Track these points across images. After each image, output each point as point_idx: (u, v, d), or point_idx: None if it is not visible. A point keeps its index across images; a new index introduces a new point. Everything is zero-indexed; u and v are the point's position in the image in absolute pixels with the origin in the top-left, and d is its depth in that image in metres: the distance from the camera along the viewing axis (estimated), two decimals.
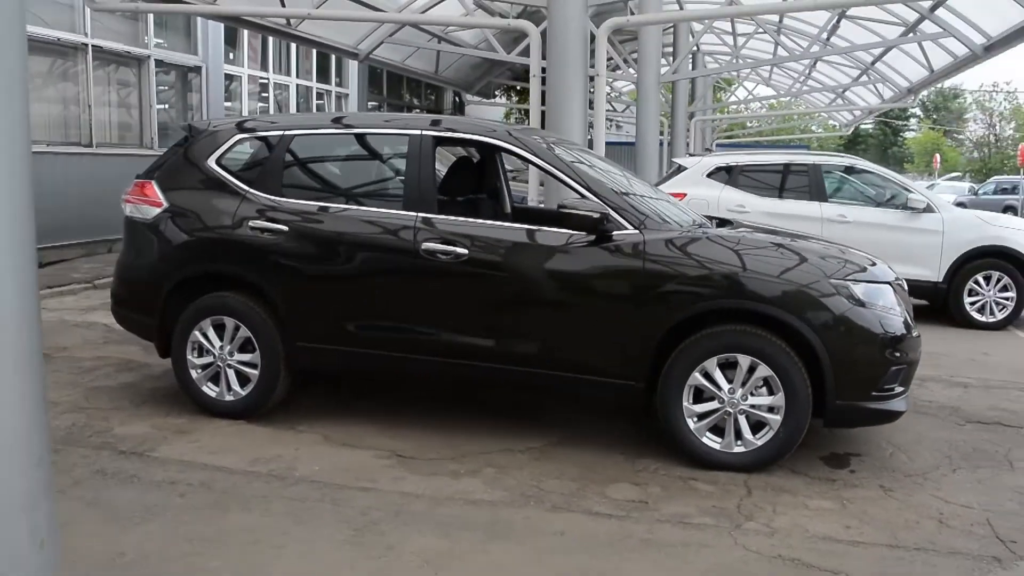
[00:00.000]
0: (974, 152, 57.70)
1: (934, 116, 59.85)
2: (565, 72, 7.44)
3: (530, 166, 5.60)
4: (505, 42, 15.45)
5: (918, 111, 59.40)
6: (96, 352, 6.16)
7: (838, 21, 15.28)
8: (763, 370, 3.98)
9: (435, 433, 4.51)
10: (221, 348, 4.65)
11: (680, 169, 9.00)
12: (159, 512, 3.44)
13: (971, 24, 11.77)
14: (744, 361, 4.00)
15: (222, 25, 13.13)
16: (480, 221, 4.44)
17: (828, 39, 15.93)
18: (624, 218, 4.18)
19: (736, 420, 4.04)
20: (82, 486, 3.68)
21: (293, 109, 16.01)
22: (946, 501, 3.77)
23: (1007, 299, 7.84)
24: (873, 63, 17.98)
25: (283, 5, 11.17)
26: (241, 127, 4.90)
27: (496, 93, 24.10)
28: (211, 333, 4.66)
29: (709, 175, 8.68)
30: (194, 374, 4.72)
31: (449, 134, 4.60)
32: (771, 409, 4.00)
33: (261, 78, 15.04)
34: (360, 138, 4.96)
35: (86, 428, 4.47)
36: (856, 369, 3.96)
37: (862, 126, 48.55)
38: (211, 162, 4.79)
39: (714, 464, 4.06)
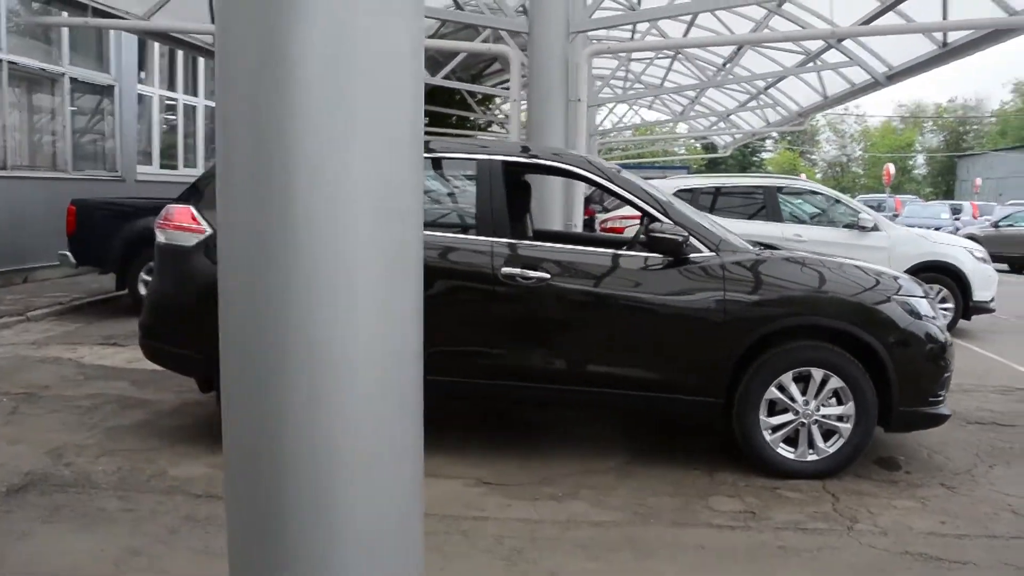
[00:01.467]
0: (828, 171, 62.12)
1: (788, 137, 63.98)
2: (547, 97, 7.61)
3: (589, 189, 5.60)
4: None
5: (774, 132, 63.46)
6: (83, 390, 5.74)
7: (739, 49, 16.20)
8: (835, 382, 4.23)
9: (505, 458, 4.49)
10: None
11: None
12: None
13: (874, 55, 12.78)
14: (818, 374, 4.23)
15: (135, 43, 12.54)
16: (559, 246, 4.50)
17: (731, 66, 16.82)
18: (701, 242, 4.35)
19: (810, 430, 4.26)
20: (182, 535, 3.45)
21: (200, 131, 15.40)
22: (1006, 494, 4.12)
23: (946, 310, 8.56)
24: (766, 89, 19.13)
25: (212, 22, 10.82)
26: None
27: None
28: None
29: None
30: None
31: (522, 160, 4.63)
32: (841, 418, 4.25)
33: (170, 99, 14.40)
34: (428, 163, 4.91)
35: (137, 472, 4.18)
36: (917, 378, 4.27)
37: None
38: None
39: (789, 473, 4.26)
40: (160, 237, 4.73)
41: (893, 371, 4.21)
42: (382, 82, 1.56)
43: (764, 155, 67.37)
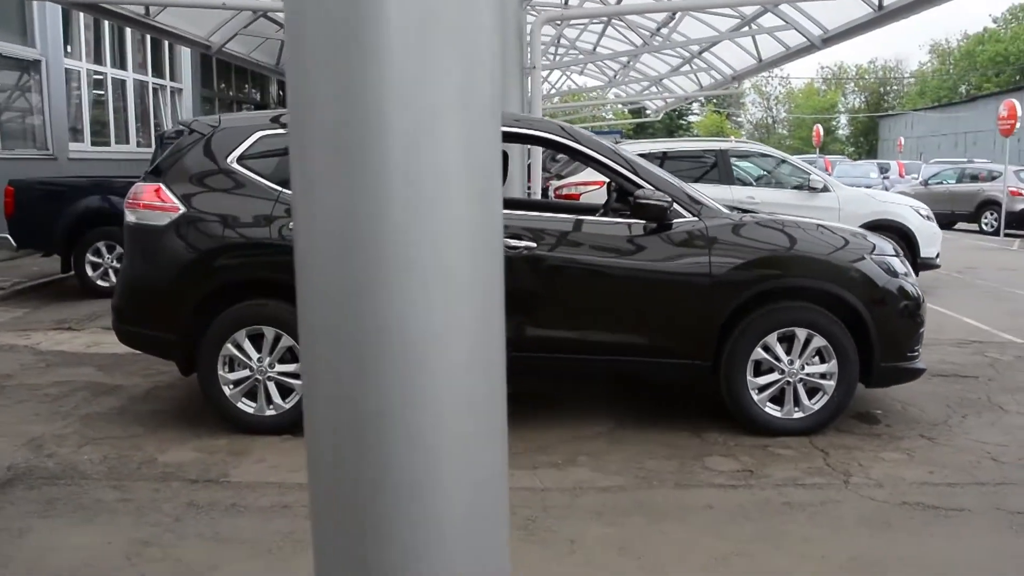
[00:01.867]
0: (754, 134, 63.34)
1: (714, 100, 64.77)
2: (502, 65, 7.53)
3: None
4: None
5: (703, 96, 64.18)
6: (49, 377, 5.53)
7: (675, 15, 16.28)
8: (818, 341, 4.35)
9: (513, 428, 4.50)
10: (260, 360, 4.38)
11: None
12: (307, 537, 3.23)
13: (810, 18, 13.01)
14: (801, 334, 4.35)
15: (59, 16, 11.95)
16: (542, 215, 4.48)
17: (668, 32, 16.91)
18: (683, 207, 4.39)
19: (795, 388, 4.38)
20: (188, 522, 3.38)
21: (131, 106, 14.81)
22: (983, 443, 4.32)
23: None
24: (700, 53, 19.31)
25: None
26: (261, 124, 4.61)
27: None
28: (247, 345, 4.38)
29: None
30: (227, 390, 4.40)
31: (509, 129, 4.57)
32: (824, 376, 4.37)
33: (98, 73, 13.79)
34: None
35: (125, 459, 4.06)
36: (896, 334, 4.42)
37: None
38: (231, 162, 4.47)
39: (777, 431, 4.38)
40: (130, 217, 4.55)
41: (874, 328, 4.35)
42: (467, 54, 1.52)
43: (691, 118, 68.14)
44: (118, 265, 8.53)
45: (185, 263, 4.39)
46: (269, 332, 4.37)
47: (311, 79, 1.52)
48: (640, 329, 4.36)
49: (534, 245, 4.30)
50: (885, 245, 4.68)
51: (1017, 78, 44.43)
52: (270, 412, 4.41)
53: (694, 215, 4.39)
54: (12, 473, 3.86)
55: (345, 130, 1.49)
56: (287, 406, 4.40)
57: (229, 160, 4.47)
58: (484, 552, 1.68)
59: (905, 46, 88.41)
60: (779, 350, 4.36)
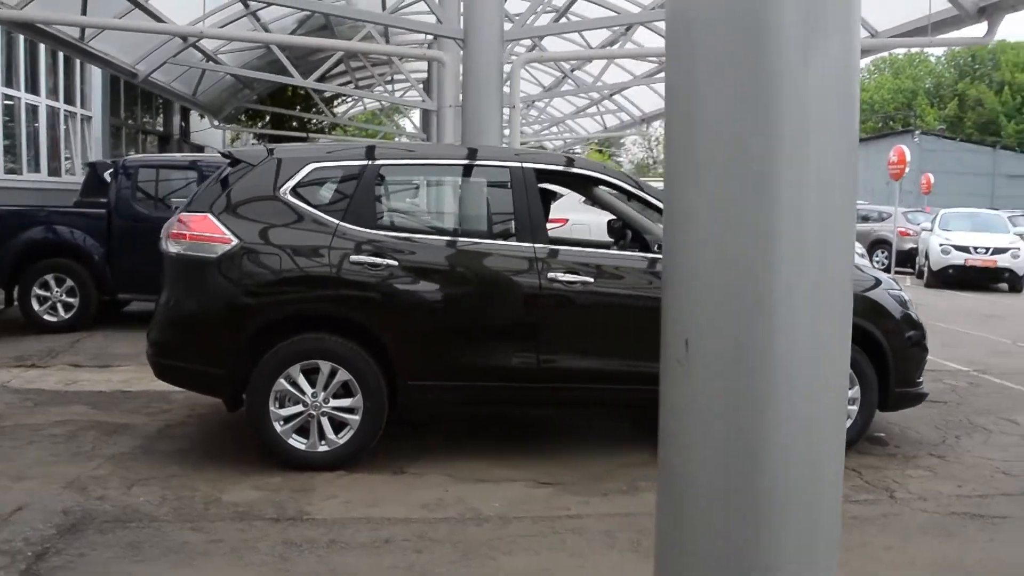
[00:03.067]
0: (635, 173, 65.68)
1: (596, 140, 66.62)
2: (484, 103, 7.70)
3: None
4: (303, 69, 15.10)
5: (606, 136, 66.09)
6: (45, 417, 5.22)
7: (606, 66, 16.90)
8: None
9: (542, 458, 4.61)
10: (314, 395, 4.33)
11: (555, 196, 9.59)
12: (429, 570, 3.26)
13: None
14: None
15: None
16: (600, 251, 4.67)
17: (596, 81, 17.42)
18: None
19: None
20: (297, 561, 3.32)
21: (43, 133, 14.05)
22: (987, 458, 4.77)
23: None
24: (611, 96, 20.08)
25: (84, 14, 10.00)
26: (315, 156, 4.60)
27: (241, 117, 22.93)
28: (301, 380, 4.32)
29: (585, 201, 9.36)
30: (278, 427, 4.33)
31: (549, 167, 4.74)
32: (852, 401, 4.71)
33: (9, 97, 13.03)
34: (452, 170, 4.90)
35: (185, 500, 3.92)
36: (908, 362, 4.83)
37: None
38: (285, 193, 4.44)
39: None
40: (173, 248, 4.43)
41: (890, 356, 4.74)
42: (843, 58, 1.67)
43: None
44: (69, 300, 8.11)
45: (240, 296, 4.31)
46: (325, 366, 4.33)
47: (694, 97, 1.67)
48: None
49: (591, 280, 4.47)
50: (890, 281, 5.11)
51: (880, 125, 48.30)
52: (323, 448, 4.36)
53: None
54: (72, 517, 3.66)
55: (734, 146, 1.64)
56: (340, 441, 4.36)
57: (282, 191, 4.44)
58: (832, 556, 1.82)
59: None
60: None
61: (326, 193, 4.58)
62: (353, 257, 4.34)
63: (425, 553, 3.41)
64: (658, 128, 24.65)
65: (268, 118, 23.42)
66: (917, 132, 36.09)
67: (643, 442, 4.94)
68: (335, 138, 25.85)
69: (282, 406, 4.33)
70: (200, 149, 21.48)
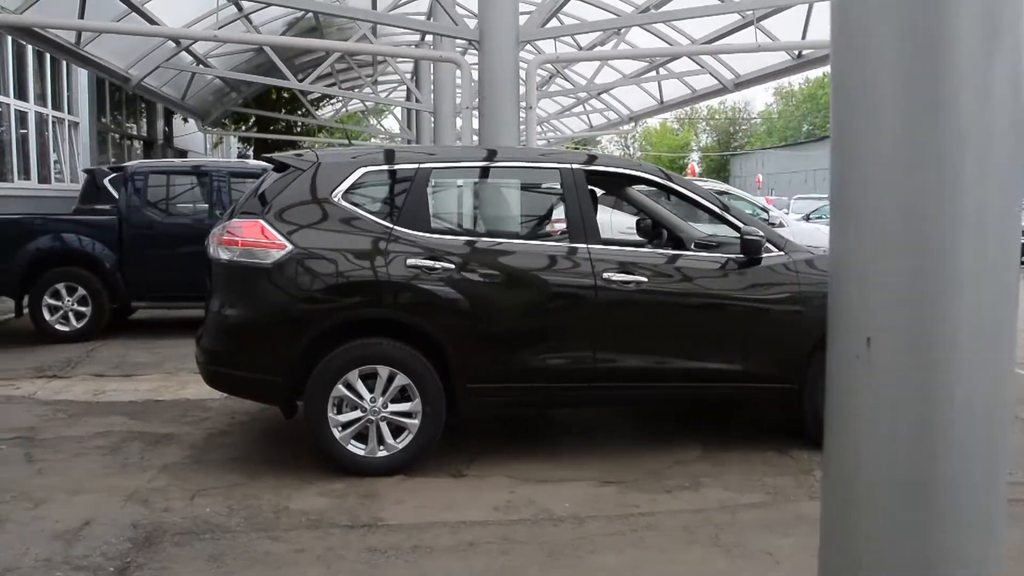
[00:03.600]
0: None
1: (578, 139, 66.84)
2: (500, 105, 7.70)
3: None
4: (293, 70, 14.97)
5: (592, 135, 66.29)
6: (84, 429, 5.15)
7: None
8: None
9: (600, 457, 4.62)
10: (372, 401, 4.30)
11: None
12: (521, 572, 3.25)
13: (725, 64, 13.95)
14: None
15: None
16: (651, 251, 4.68)
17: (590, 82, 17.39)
18: (773, 243, 4.70)
19: None
20: (386, 568, 3.30)
21: (32, 139, 13.82)
22: None
23: None
24: (598, 95, 20.12)
25: (81, 18, 9.85)
26: (365, 160, 4.57)
27: (225, 121, 22.66)
28: (360, 386, 4.29)
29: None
30: (336, 433, 4.29)
31: (604, 169, 4.75)
32: None
33: None
34: (504, 172, 4.89)
35: (253, 509, 3.88)
36: None
37: None
38: (337, 197, 4.40)
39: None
40: (223, 255, 4.38)
41: None
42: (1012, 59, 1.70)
43: None
44: (80, 308, 7.98)
45: (297, 302, 4.27)
46: (383, 371, 4.30)
47: (876, 97, 1.68)
48: (740, 357, 4.61)
49: (644, 280, 4.48)
50: None
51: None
52: (381, 453, 4.33)
53: (780, 249, 4.71)
54: (143, 531, 3.61)
55: (918, 142, 1.66)
56: (399, 446, 4.34)
57: (334, 196, 4.41)
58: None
59: (753, 89, 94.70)
60: None
61: (378, 197, 4.55)
62: (410, 261, 4.32)
63: (513, 555, 3.40)
64: (636, 126, 24.84)
65: (253, 120, 23.18)
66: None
67: (691, 438, 4.98)
68: (320, 141, 25.70)
69: (340, 412, 4.30)
70: (184, 154, 21.23)
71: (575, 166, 4.66)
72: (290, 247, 4.28)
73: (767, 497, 4.05)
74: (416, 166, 4.55)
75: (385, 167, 4.56)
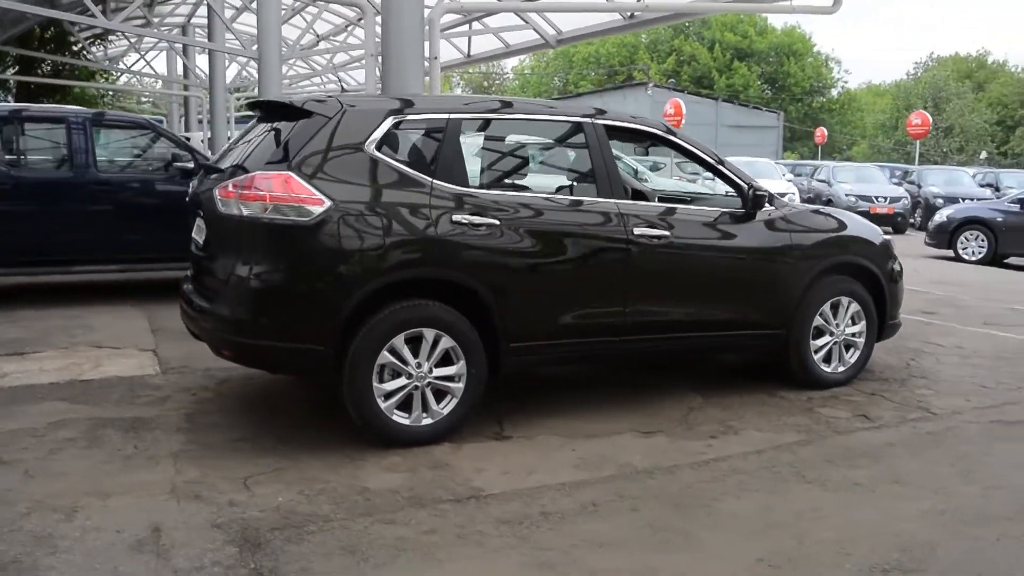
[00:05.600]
0: None
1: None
2: (405, 54, 7.34)
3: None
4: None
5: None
6: (29, 420, 4.35)
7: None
8: (854, 307, 5.27)
9: (629, 410, 4.72)
10: (418, 366, 4.06)
11: None
12: (670, 524, 3.28)
13: (549, 22, 14.19)
14: (844, 301, 5.23)
15: None
16: (671, 206, 4.79)
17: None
18: (770, 198, 5.00)
19: (841, 347, 5.26)
20: (538, 538, 3.18)
21: None
22: (959, 376, 5.65)
23: None
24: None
25: None
26: (393, 107, 4.19)
27: None
28: (406, 351, 4.03)
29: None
30: (382, 403, 4.01)
31: (617, 123, 4.72)
32: (855, 335, 5.31)
33: None
34: (529, 125, 4.67)
35: (333, 494, 3.53)
36: (896, 298, 5.53)
37: None
38: (371, 148, 4.03)
39: (823, 384, 5.20)
40: (245, 210, 3.86)
41: (888, 294, 5.41)
42: None
43: None
44: None
45: (343, 263, 3.89)
46: (429, 334, 4.06)
47: None
48: (744, 306, 4.89)
49: (667, 234, 4.59)
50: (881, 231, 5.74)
51: (605, 78, 51.81)
52: (426, 421, 4.11)
53: (771, 204, 5.01)
54: (232, 531, 3.16)
55: None
56: (444, 412, 4.14)
57: (367, 147, 4.03)
58: None
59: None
60: (830, 316, 5.20)
61: (411, 148, 4.21)
62: (455, 217, 4.08)
63: (643, 510, 3.43)
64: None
65: (13, 62, 19.89)
66: (651, 84, 39.41)
67: (681, 386, 5.20)
68: (99, 86, 22.65)
69: (383, 380, 4.01)
70: None
71: (596, 120, 4.62)
72: (328, 203, 3.86)
73: (801, 436, 4.38)
74: (447, 116, 4.27)
75: (416, 116, 4.23)
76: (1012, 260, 13.54)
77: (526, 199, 4.35)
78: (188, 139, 13.84)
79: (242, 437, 4.20)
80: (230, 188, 3.96)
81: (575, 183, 4.64)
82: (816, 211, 5.46)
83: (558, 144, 4.94)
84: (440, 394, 4.15)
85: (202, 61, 24.03)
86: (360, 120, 4.08)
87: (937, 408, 4.89)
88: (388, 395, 4.02)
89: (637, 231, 4.49)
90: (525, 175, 4.87)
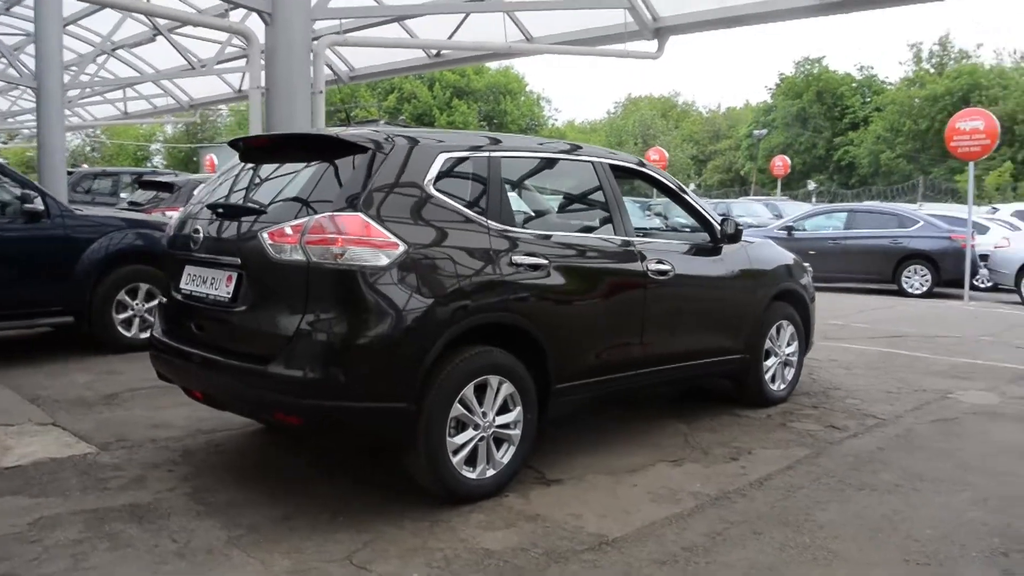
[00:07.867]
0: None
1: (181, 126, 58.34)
2: (290, 86, 6.96)
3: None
4: None
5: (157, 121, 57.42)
6: (62, 505, 3.49)
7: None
8: (791, 328, 5.84)
9: (627, 444, 4.81)
10: (483, 415, 3.88)
11: None
12: (813, 543, 3.42)
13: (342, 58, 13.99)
14: (785, 324, 5.77)
15: None
16: (666, 241, 5.00)
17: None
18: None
19: (783, 367, 5.79)
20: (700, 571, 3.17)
21: None
22: (861, 400, 6.39)
23: None
24: (160, 80, 18.06)
25: None
26: (446, 145, 3.98)
27: None
28: (474, 402, 3.84)
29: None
30: (453, 458, 3.77)
31: (619, 163, 4.85)
32: (791, 354, 5.88)
33: None
34: (551, 163, 4.59)
35: (463, 561, 3.25)
36: (814, 318, 6.18)
37: None
38: (430, 187, 3.82)
39: (772, 401, 5.70)
40: (313, 256, 3.46)
41: (811, 314, 6.05)
42: None
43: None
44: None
45: (425, 311, 3.60)
46: (494, 381, 3.90)
47: None
48: (725, 333, 5.22)
49: (671, 268, 4.79)
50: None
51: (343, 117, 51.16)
52: (490, 472, 3.92)
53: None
54: None
55: None
56: (504, 461, 3.98)
57: (427, 185, 3.80)
58: None
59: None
60: (781, 336, 5.70)
61: (461, 187, 4.00)
62: (514, 259, 3.96)
63: (765, 534, 3.54)
64: None
65: None
66: (381, 122, 39.24)
67: (663, 416, 5.38)
68: None
69: (452, 432, 3.77)
70: None
71: (603, 160, 4.74)
72: (403, 246, 3.58)
73: (807, 450, 4.74)
74: (487, 154, 4.14)
75: (462, 154, 4.04)
76: None
77: (564, 238, 4.32)
78: None
79: (285, 514, 3.68)
80: (288, 232, 3.51)
81: (598, 222, 4.68)
82: (771, 244, 5.96)
83: (576, 183, 4.96)
84: (498, 443, 3.97)
85: None
86: (416, 157, 3.83)
87: (879, 414, 5.53)
88: (456, 449, 3.78)
89: (651, 267, 4.64)
90: (553, 214, 4.82)
